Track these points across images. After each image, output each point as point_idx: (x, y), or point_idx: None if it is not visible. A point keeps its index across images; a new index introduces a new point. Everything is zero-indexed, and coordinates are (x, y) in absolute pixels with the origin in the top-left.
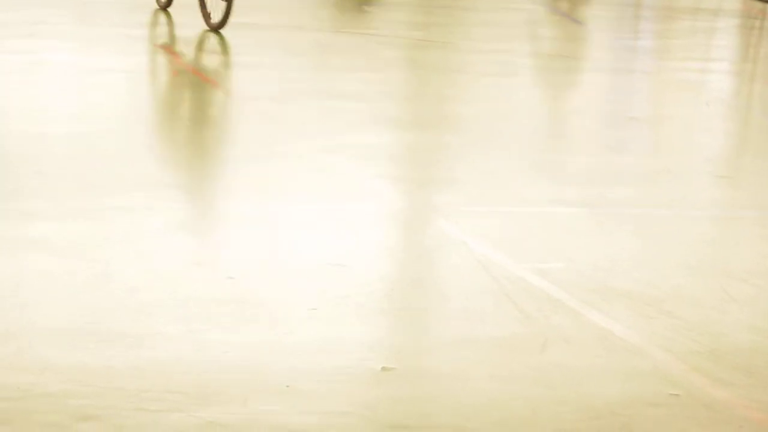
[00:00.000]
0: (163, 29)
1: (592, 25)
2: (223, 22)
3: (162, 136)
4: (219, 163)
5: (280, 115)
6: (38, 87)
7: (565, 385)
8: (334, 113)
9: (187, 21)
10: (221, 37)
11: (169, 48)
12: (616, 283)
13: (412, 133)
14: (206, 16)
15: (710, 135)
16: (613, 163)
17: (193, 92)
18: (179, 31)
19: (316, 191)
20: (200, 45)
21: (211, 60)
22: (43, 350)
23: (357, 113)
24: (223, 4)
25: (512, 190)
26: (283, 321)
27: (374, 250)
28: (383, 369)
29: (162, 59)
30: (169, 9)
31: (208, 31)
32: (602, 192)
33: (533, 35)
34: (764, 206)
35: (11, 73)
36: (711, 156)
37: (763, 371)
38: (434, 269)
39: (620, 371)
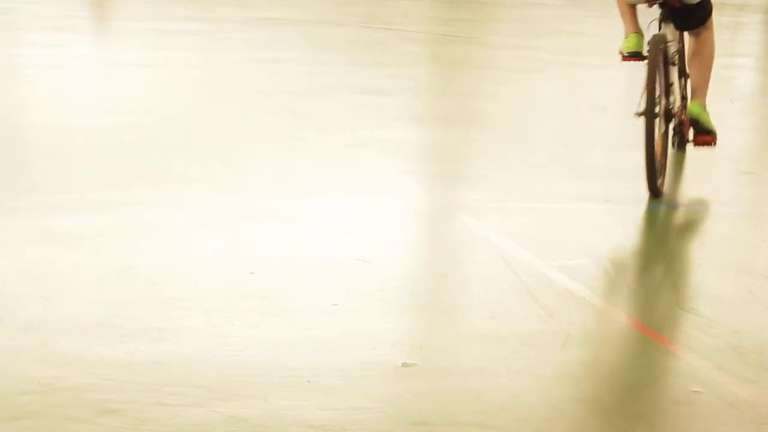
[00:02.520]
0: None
1: (618, 20)
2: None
3: (184, 131)
4: (243, 157)
5: (304, 110)
6: (65, 80)
7: (587, 381)
8: (360, 109)
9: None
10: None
11: None
12: (639, 279)
13: (437, 129)
14: None
15: (735, 131)
16: (638, 159)
17: (218, 89)
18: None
19: (340, 186)
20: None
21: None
22: (66, 344)
23: (382, 109)
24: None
25: (536, 186)
26: (305, 316)
27: (398, 245)
28: (404, 365)
29: (191, 56)
30: None
31: None
32: (626, 188)
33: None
34: None
35: (38, 67)
36: (736, 152)
37: None
38: (457, 265)
39: (643, 368)
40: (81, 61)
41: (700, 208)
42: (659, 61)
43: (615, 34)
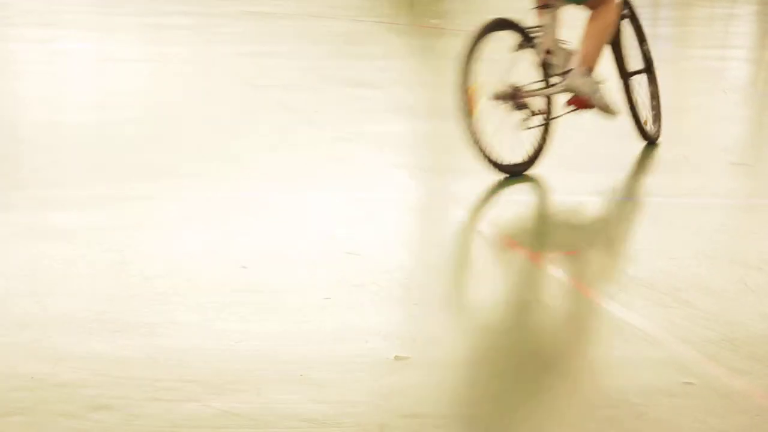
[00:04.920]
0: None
1: None
2: None
3: (176, 126)
4: (235, 152)
5: (295, 103)
6: (55, 76)
7: (580, 374)
8: (351, 102)
9: None
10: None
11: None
12: (633, 271)
13: (428, 122)
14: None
15: (728, 123)
16: (630, 151)
17: (209, 83)
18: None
19: (331, 180)
20: None
21: (224, 50)
22: (58, 339)
23: (373, 101)
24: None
25: (528, 178)
26: (298, 310)
27: (390, 238)
28: (396, 358)
29: (182, 51)
30: None
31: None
32: (620, 180)
33: None
34: None
35: (29, 63)
36: (729, 144)
37: None
38: (450, 258)
39: (636, 360)
40: (72, 57)
41: (692, 200)
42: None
43: None
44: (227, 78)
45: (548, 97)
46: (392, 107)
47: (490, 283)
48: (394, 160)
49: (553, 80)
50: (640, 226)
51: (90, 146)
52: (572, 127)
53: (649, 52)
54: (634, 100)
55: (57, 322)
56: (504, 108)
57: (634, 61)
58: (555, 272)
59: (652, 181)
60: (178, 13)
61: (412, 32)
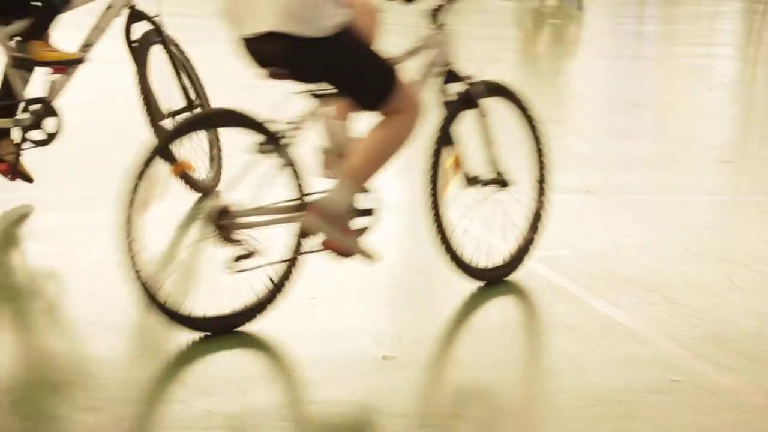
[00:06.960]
0: None
1: (596, 10)
2: None
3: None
4: (222, 152)
5: (283, 104)
6: (38, 77)
7: (568, 372)
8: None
9: None
10: None
11: None
12: (620, 269)
13: None
14: None
15: (714, 120)
16: (618, 149)
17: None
18: None
19: (318, 179)
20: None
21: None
22: (47, 341)
23: None
24: None
25: (516, 177)
26: (285, 310)
27: (377, 238)
28: (384, 357)
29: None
30: None
31: None
32: (606, 178)
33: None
34: None
35: None
36: (715, 141)
37: (766, 357)
38: (437, 257)
39: (624, 358)
40: None
41: (679, 197)
42: None
43: (591, 26)
44: (212, 78)
45: None
46: None
47: (477, 282)
48: None
49: None
50: (626, 223)
51: (74, 147)
52: (560, 125)
53: None
54: None
55: (45, 323)
56: None
57: None
58: (540, 269)
59: (639, 178)
60: (163, 13)
61: (397, 32)
